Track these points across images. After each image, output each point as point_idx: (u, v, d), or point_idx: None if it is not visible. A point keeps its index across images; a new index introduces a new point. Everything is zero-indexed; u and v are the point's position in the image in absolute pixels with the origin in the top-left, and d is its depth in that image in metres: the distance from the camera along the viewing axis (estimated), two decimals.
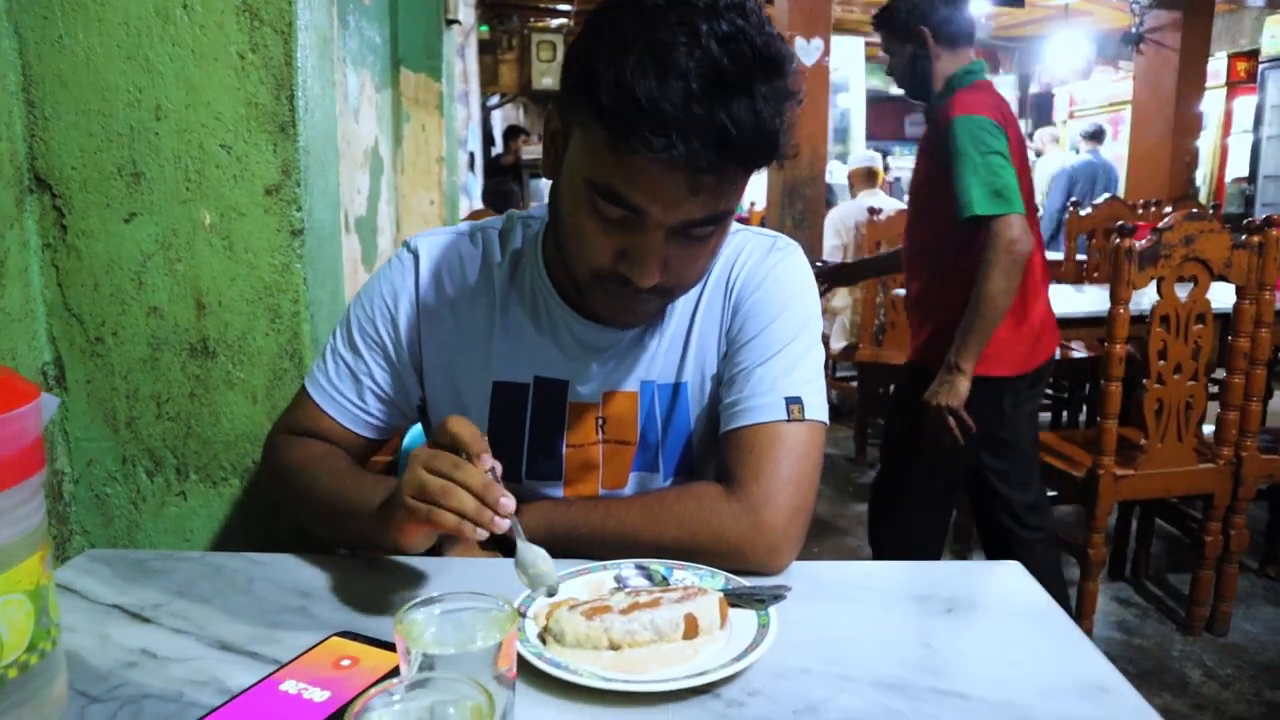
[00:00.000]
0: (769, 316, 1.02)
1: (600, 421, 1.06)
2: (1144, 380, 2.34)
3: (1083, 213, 4.35)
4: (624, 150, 0.79)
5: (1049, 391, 4.41)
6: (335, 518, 0.98)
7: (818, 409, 0.99)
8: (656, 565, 0.92)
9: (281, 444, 1.08)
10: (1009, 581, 0.94)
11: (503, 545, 1.03)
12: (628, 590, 0.81)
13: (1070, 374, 4.17)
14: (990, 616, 0.87)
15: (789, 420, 0.96)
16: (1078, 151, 7.32)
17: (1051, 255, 4.74)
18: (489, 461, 0.80)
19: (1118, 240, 2.24)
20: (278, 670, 0.75)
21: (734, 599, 0.83)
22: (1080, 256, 4.41)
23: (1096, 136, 6.72)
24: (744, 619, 0.81)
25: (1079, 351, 4.03)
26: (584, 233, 0.88)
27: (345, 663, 0.76)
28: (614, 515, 0.97)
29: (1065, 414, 4.34)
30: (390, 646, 0.78)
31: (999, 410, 2.15)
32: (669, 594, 0.80)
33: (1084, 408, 4.24)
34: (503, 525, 0.78)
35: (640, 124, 0.77)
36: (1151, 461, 2.36)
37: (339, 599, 0.90)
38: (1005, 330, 2.09)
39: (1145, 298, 2.38)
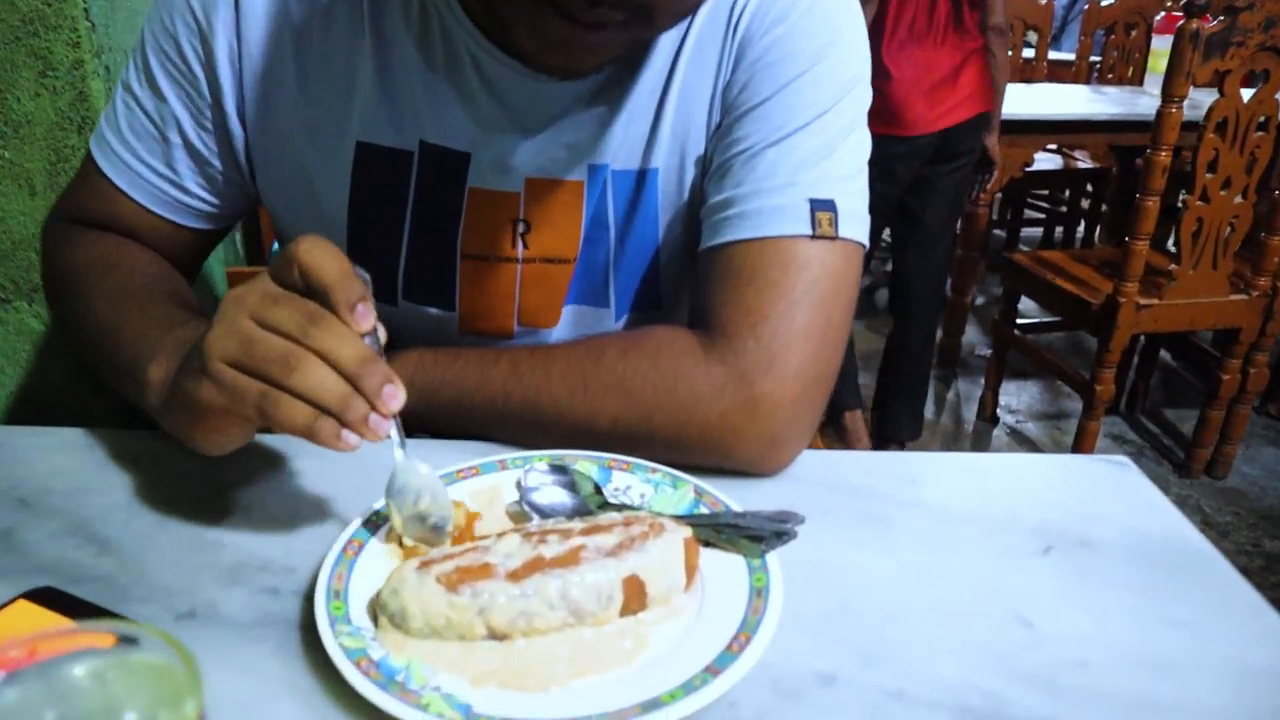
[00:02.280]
0: (793, 69, 0.63)
1: (520, 227, 0.69)
2: (1184, 197, 1.99)
3: (1104, 2, 3.83)
4: None
5: (1044, 205, 4.07)
6: (109, 372, 0.63)
7: (856, 222, 0.63)
8: (585, 463, 0.58)
9: (60, 237, 0.72)
10: (1124, 494, 0.62)
11: None
12: (526, 533, 0.47)
13: (1073, 186, 3.81)
14: (1110, 562, 0.56)
15: (813, 236, 0.60)
16: None
17: (1060, 54, 4.27)
18: (369, 319, 0.47)
19: (1183, 21, 1.82)
20: None
21: (709, 536, 0.51)
22: (1095, 57, 3.93)
23: None
24: (724, 571, 0.49)
25: (1084, 161, 3.65)
26: None
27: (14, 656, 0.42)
28: (525, 377, 0.62)
29: (1060, 230, 4.01)
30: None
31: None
32: (597, 535, 0.47)
33: (1082, 226, 3.91)
34: (383, 429, 0.47)
35: None
36: (1179, 290, 2.05)
37: (69, 508, 0.56)
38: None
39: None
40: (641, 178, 0.68)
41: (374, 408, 0.46)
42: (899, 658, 0.46)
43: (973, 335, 3.12)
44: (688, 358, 0.60)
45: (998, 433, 2.55)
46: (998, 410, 2.59)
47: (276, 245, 1.00)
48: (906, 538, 0.56)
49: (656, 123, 0.66)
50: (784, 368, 0.58)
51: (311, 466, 0.61)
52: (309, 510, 0.57)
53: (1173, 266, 2.04)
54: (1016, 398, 2.73)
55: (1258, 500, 2.28)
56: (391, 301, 0.72)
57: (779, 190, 0.61)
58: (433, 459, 0.61)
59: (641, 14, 0.52)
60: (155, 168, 0.69)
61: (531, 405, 0.61)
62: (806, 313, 0.59)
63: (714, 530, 0.51)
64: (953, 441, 2.52)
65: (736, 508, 0.53)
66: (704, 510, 0.54)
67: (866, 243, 0.64)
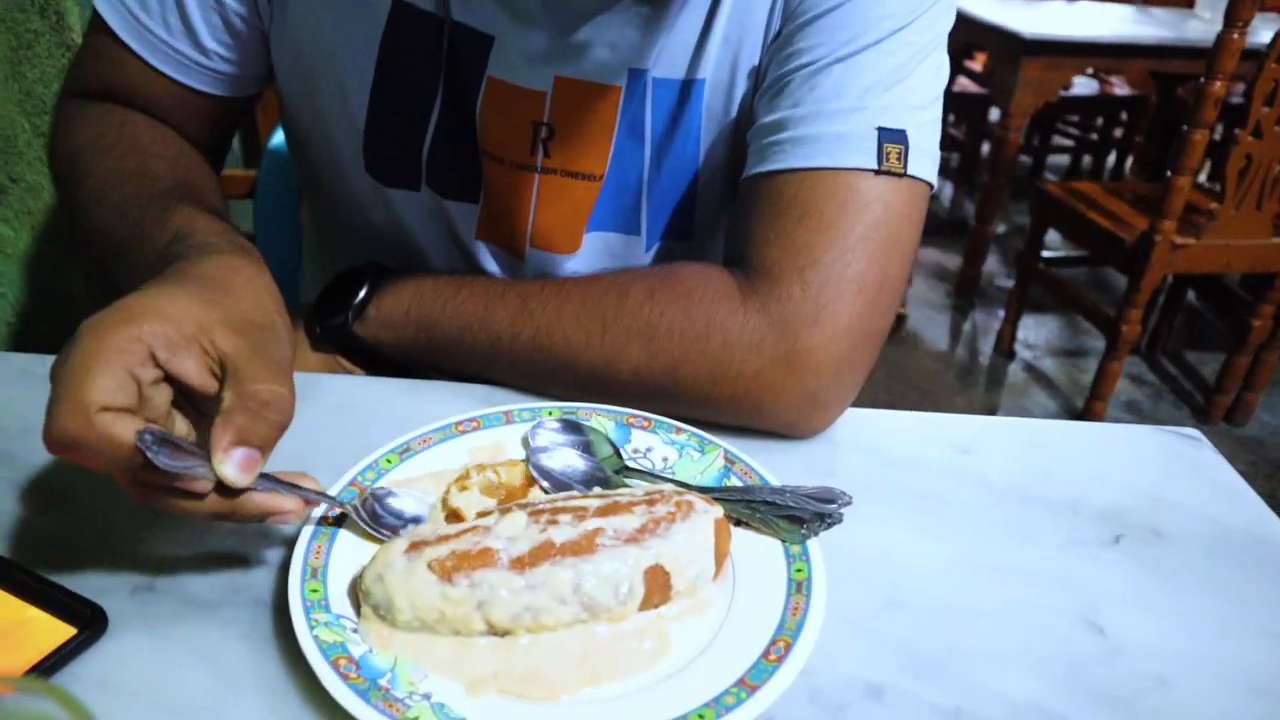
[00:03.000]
0: None
1: (543, 131, 0.60)
2: (1236, 131, 1.87)
3: None
4: None
5: (1074, 131, 3.92)
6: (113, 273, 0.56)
7: (927, 159, 0.54)
8: (601, 418, 0.51)
9: (63, 115, 0.65)
10: (1199, 475, 0.56)
11: (340, 343, 0.62)
12: (533, 510, 0.40)
13: (1107, 114, 3.66)
14: (1188, 556, 0.49)
15: (879, 171, 0.52)
16: None
17: None
18: (201, 483, 0.38)
19: None
20: None
21: (741, 514, 0.44)
22: None
23: None
24: (758, 557, 0.43)
25: (1120, 88, 3.49)
26: None
27: None
28: (535, 314, 0.55)
29: (1089, 159, 3.87)
30: (57, 599, 0.39)
31: None
32: (616, 516, 0.40)
33: (1112, 155, 3.77)
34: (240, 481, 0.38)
35: None
36: (1219, 230, 1.96)
37: (21, 466, 0.49)
38: None
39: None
40: (686, 88, 0.59)
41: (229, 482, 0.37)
42: (955, 668, 0.40)
43: (992, 265, 3.03)
44: (723, 303, 0.53)
45: (1014, 368, 2.48)
46: (1014, 345, 2.52)
47: (281, 134, 0.91)
48: (959, 519, 0.50)
49: (708, 27, 0.57)
50: (832, 320, 0.51)
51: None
52: (285, 461, 0.50)
53: (1213, 205, 1.94)
54: (1035, 332, 2.65)
55: (1275, 449, 2.22)
56: (414, 186, 0.64)
57: (843, 115, 0.53)
58: (428, 405, 0.55)
59: None
60: (168, 21, 0.59)
61: (542, 347, 0.54)
62: (863, 260, 0.52)
63: (748, 507, 0.44)
64: (967, 375, 2.46)
65: (773, 480, 0.47)
66: (735, 481, 0.47)
67: (935, 183, 0.56)
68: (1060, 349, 2.61)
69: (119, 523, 0.45)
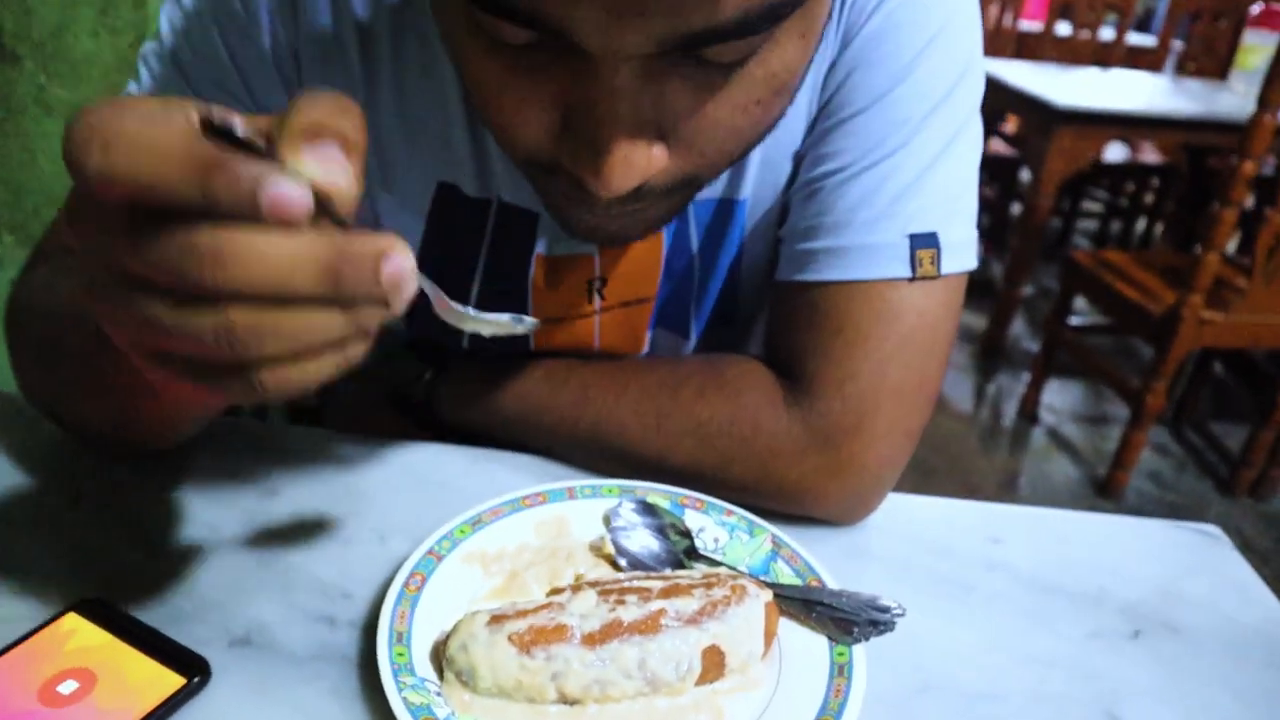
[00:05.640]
0: (895, 72, 0.55)
1: (597, 284, 0.63)
2: (1267, 210, 1.90)
3: None
4: None
5: (1105, 196, 3.95)
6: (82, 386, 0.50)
7: (963, 251, 0.56)
8: (657, 497, 0.55)
9: (18, 284, 0.58)
10: (1214, 571, 0.59)
11: (410, 414, 0.66)
12: (603, 590, 0.44)
13: (1137, 179, 3.69)
14: (1203, 654, 0.52)
15: (913, 279, 0.55)
16: None
17: (1139, 39, 4.11)
18: (295, 197, 0.26)
19: None
20: None
21: (798, 610, 0.48)
22: (1176, 42, 3.78)
23: None
24: (803, 640, 0.46)
25: (1152, 155, 3.53)
26: (478, 81, 0.42)
27: (67, 688, 0.41)
28: (594, 402, 0.59)
29: (1118, 225, 3.90)
30: (163, 647, 0.43)
31: None
32: (677, 598, 0.44)
33: (1141, 222, 3.80)
34: (404, 302, 0.29)
35: None
36: (1247, 306, 1.98)
37: (118, 516, 0.54)
38: None
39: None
40: (726, 207, 0.62)
41: (378, 295, 0.28)
42: None
43: (1018, 328, 3.05)
44: (768, 408, 0.56)
45: (1037, 433, 2.49)
46: (1038, 410, 2.54)
47: None
48: (987, 607, 0.53)
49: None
50: (872, 428, 0.55)
51: (362, 474, 0.59)
52: (362, 525, 0.54)
53: (1242, 281, 1.97)
54: (1059, 398, 2.67)
55: None
56: (455, 346, 0.67)
57: (873, 224, 0.55)
58: (494, 475, 0.59)
59: (687, 187, 0.46)
60: None
61: (601, 434, 0.59)
62: (900, 369, 0.55)
63: (804, 605, 0.48)
64: (990, 438, 2.47)
65: (827, 576, 0.50)
66: (782, 564, 0.51)
67: (975, 264, 0.57)
68: (1084, 416, 2.62)
69: (211, 577, 0.49)
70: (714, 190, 0.61)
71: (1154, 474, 2.36)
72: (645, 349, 0.67)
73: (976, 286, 3.45)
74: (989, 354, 2.83)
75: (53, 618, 0.44)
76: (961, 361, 2.86)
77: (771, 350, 0.61)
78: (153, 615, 0.46)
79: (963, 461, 2.32)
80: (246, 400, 0.31)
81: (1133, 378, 2.18)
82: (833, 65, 0.57)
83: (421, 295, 0.32)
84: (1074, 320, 2.47)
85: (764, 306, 0.70)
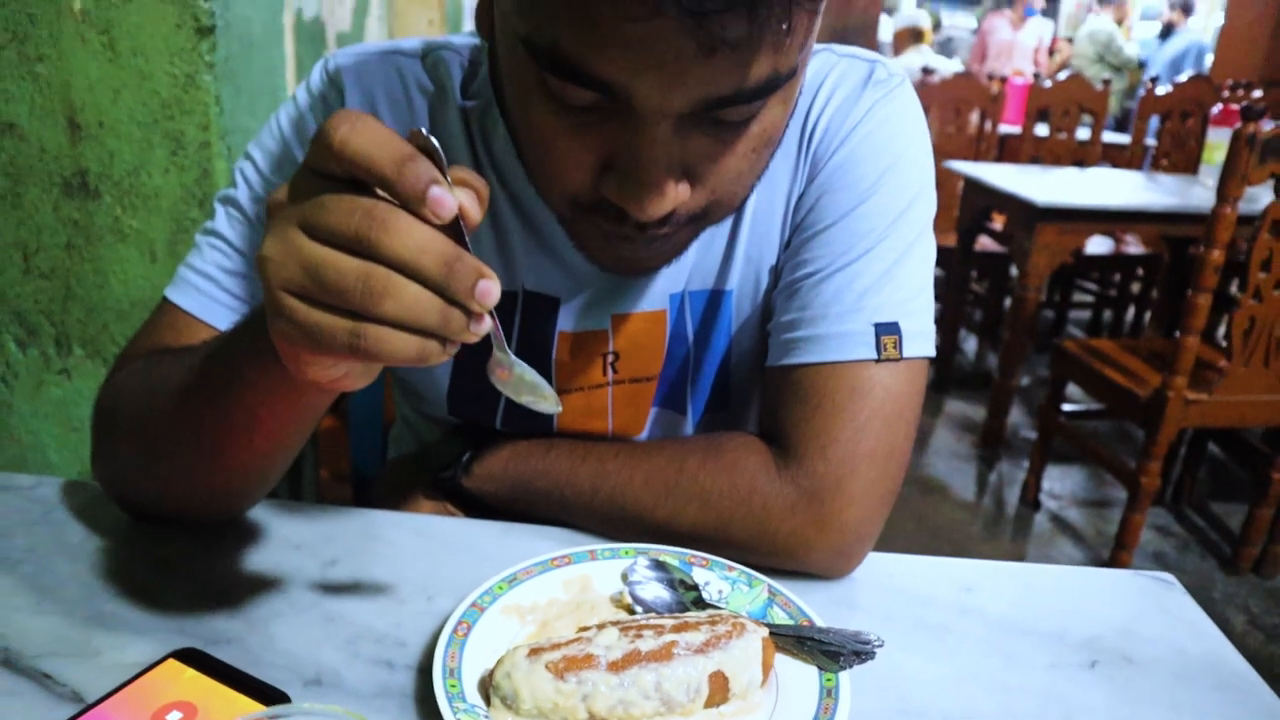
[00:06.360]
0: (859, 192, 0.67)
1: (610, 358, 0.74)
2: (1237, 294, 2.01)
3: (1159, 91, 3.88)
4: None
5: (1094, 288, 4.08)
6: (186, 429, 0.57)
7: (921, 339, 0.67)
8: (668, 557, 0.63)
9: (109, 378, 0.68)
10: (1167, 610, 0.66)
11: (449, 492, 0.75)
12: (623, 626, 0.52)
13: (1122, 271, 3.83)
14: (1153, 679, 0.59)
15: (879, 360, 0.65)
16: (1171, 29, 6.50)
17: (1115, 137, 4.32)
18: (447, 203, 0.39)
19: (1239, 125, 1.87)
20: None
21: (790, 645, 0.55)
22: (1149, 140, 3.97)
23: (1187, 8, 6.10)
24: (797, 672, 0.54)
25: (1135, 247, 3.68)
26: (539, 135, 0.54)
27: (173, 718, 0.48)
28: (610, 476, 0.68)
29: (1109, 314, 4.02)
30: (249, 684, 0.51)
31: None
32: (687, 632, 0.52)
33: (1131, 310, 3.92)
34: (483, 329, 0.42)
35: None
36: (1229, 387, 2.06)
37: (205, 579, 0.62)
38: None
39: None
40: (716, 297, 0.73)
41: (465, 306, 0.40)
42: None
43: (1016, 417, 3.13)
44: (761, 474, 0.65)
45: (1040, 518, 2.55)
46: (1040, 495, 2.60)
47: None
48: (961, 644, 0.60)
49: (731, 246, 0.71)
50: (851, 487, 0.63)
51: (409, 544, 0.67)
52: (412, 587, 0.62)
53: (1223, 363, 2.06)
54: (1060, 483, 2.73)
55: None
56: (491, 422, 0.76)
57: (844, 316, 0.65)
58: (523, 544, 0.67)
59: (700, 220, 0.59)
60: (240, 296, 0.67)
61: (617, 505, 0.67)
62: (872, 437, 0.64)
63: (796, 641, 0.55)
64: (993, 525, 2.53)
65: (816, 617, 0.58)
66: (778, 610, 0.59)
67: (933, 352, 0.68)
68: (1085, 500, 2.68)
69: (284, 631, 0.57)
70: (706, 283, 0.72)
71: (1158, 554, 2.40)
72: (649, 425, 0.77)
73: (974, 379, 3.55)
74: (989, 443, 2.90)
75: (156, 662, 0.52)
76: (963, 451, 2.93)
77: (764, 426, 0.70)
78: (238, 660, 0.53)
79: (968, 549, 2.37)
80: (347, 371, 0.44)
81: (1128, 460, 2.25)
82: (802, 195, 0.70)
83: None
84: (1069, 407, 2.55)
85: (754, 396, 0.79)
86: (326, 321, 0.40)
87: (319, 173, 0.40)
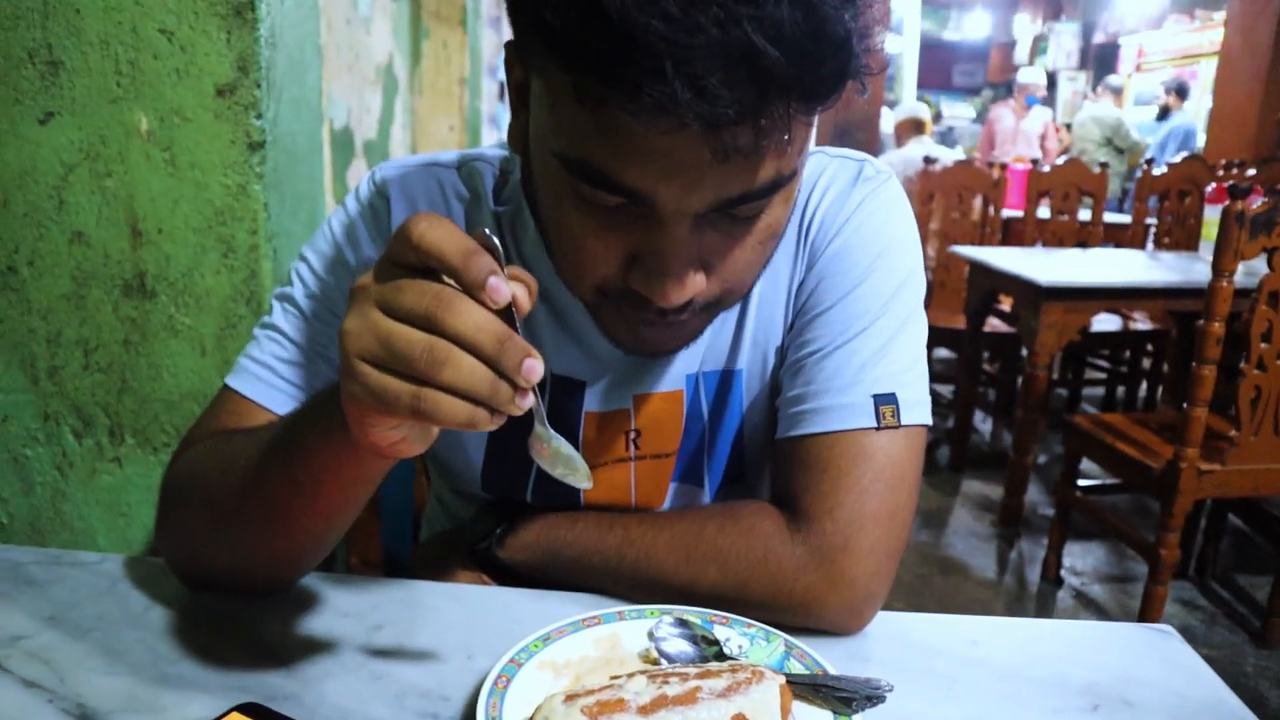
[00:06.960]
0: (854, 277, 0.74)
1: (633, 435, 0.80)
2: (1241, 365, 2.05)
3: (1156, 172, 4.00)
4: (596, 102, 0.51)
5: (1106, 364, 4.12)
6: (252, 500, 0.63)
7: (917, 408, 0.72)
8: (690, 616, 0.68)
9: (175, 460, 0.74)
10: (1167, 659, 0.69)
11: (483, 563, 0.79)
12: (651, 675, 0.57)
13: (1132, 347, 3.87)
14: (1156, 717, 0.63)
15: (879, 428, 0.70)
16: (1167, 111, 6.71)
17: (1117, 217, 4.42)
18: (502, 292, 0.47)
19: (1228, 202, 1.94)
20: None
21: (806, 693, 0.59)
22: (1150, 220, 4.07)
23: (1182, 92, 6.30)
24: (812, 719, 0.57)
25: (1142, 323, 3.73)
26: (571, 234, 0.61)
27: None
28: (635, 543, 0.72)
29: (1122, 389, 4.04)
30: None
31: None
32: (709, 679, 0.56)
33: (1143, 385, 3.95)
34: (526, 403, 0.49)
35: (613, 58, 0.48)
36: (1241, 456, 2.09)
37: (261, 643, 0.67)
38: None
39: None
40: (728, 377, 0.79)
41: (513, 381, 0.47)
42: None
43: (1035, 495, 3.14)
44: (775, 537, 0.70)
45: (1062, 595, 2.54)
46: (1061, 572, 2.59)
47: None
48: (969, 692, 0.64)
49: (739, 329, 0.78)
50: (858, 547, 0.68)
51: (448, 610, 0.72)
52: (453, 647, 0.67)
53: (1234, 432, 2.09)
54: (1081, 559, 2.72)
55: None
56: (522, 497, 0.82)
57: (845, 389, 0.71)
58: (557, 609, 0.72)
59: (714, 307, 0.66)
60: (295, 384, 0.73)
61: (641, 569, 0.72)
62: (876, 499, 0.69)
63: (812, 688, 0.59)
64: (1016, 603, 2.52)
65: (830, 667, 0.62)
66: (795, 662, 0.63)
67: (929, 421, 0.73)
68: (1107, 575, 2.67)
69: (337, 689, 0.61)
70: (718, 363, 0.79)
71: (1185, 629, 2.37)
72: (669, 498, 0.82)
73: (990, 458, 3.58)
74: (1008, 521, 2.90)
75: (220, 716, 0.56)
76: (982, 531, 2.93)
77: (776, 493, 0.75)
78: (294, 714, 0.58)
79: None
80: (408, 434, 0.51)
81: (1147, 533, 2.26)
82: (803, 281, 0.77)
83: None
84: (1086, 482, 2.57)
85: (766, 469, 0.84)
86: (393, 385, 0.47)
87: (397, 263, 0.48)
